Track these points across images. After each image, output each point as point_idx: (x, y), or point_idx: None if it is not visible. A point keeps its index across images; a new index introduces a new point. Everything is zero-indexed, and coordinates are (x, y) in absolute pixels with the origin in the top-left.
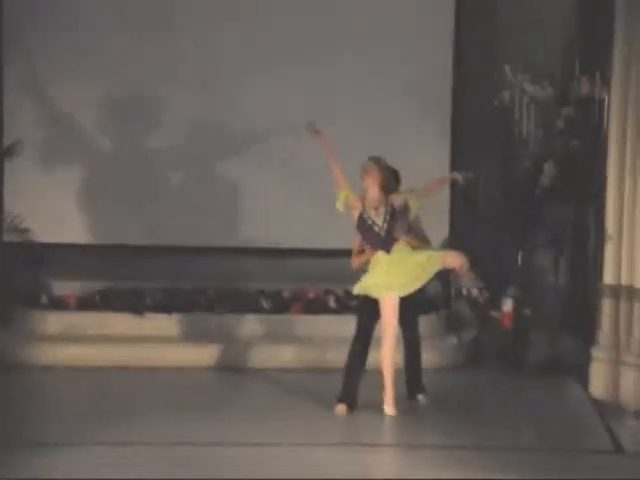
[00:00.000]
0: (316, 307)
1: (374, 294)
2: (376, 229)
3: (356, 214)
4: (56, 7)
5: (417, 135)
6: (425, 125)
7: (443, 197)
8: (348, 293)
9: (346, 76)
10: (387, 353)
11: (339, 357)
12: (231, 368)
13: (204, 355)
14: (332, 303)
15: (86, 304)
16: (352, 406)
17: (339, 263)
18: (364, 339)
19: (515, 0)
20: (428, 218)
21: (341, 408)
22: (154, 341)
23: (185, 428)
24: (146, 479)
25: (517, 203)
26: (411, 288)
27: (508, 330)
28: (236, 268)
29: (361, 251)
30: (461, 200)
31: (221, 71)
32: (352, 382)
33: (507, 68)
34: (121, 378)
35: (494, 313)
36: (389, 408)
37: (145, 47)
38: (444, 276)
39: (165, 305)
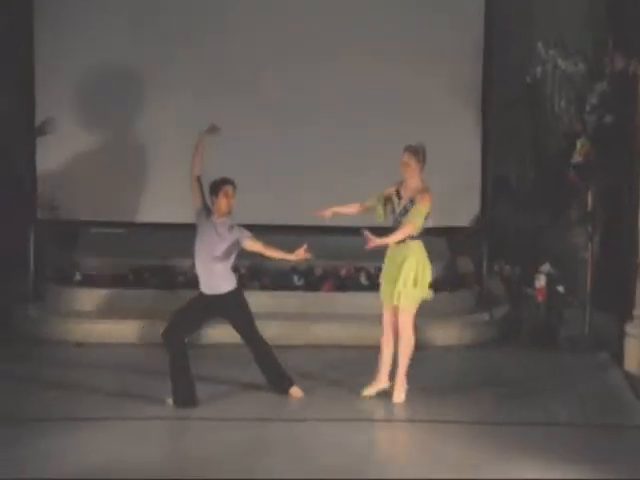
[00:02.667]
0: (348, 284)
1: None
2: (392, 216)
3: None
4: None
5: (448, 115)
6: (456, 104)
7: (474, 173)
8: (379, 270)
9: (374, 57)
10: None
11: (371, 334)
12: None
13: (234, 332)
14: (363, 280)
15: (119, 281)
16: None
17: None
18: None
19: None
20: (459, 194)
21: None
22: None
23: (212, 403)
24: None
25: (550, 180)
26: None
27: (541, 306)
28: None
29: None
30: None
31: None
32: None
33: (539, 44)
34: (153, 355)
35: (527, 289)
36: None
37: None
38: (476, 252)
39: (197, 282)
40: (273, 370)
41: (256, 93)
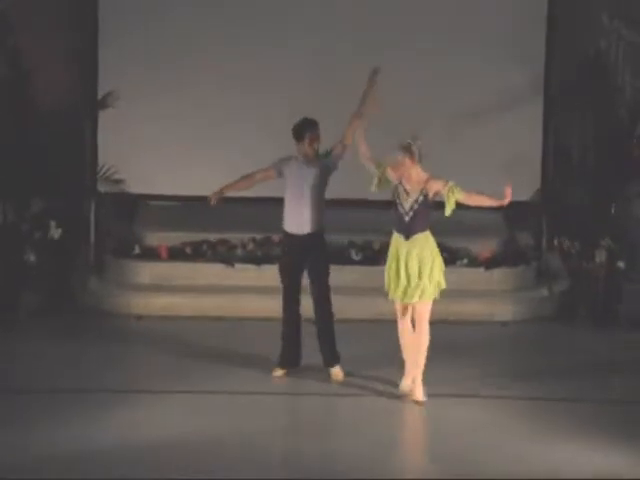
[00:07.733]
0: None
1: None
2: (401, 211)
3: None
4: None
5: (509, 87)
6: (517, 77)
7: (535, 147)
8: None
9: (436, 29)
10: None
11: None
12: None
13: None
14: None
15: (177, 255)
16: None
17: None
18: (295, 301)
19: None
20: (519, 168)
21: (279, 371)
22: (243, 292)
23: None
24: (228, 427)
25: (612, 153)
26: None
27: (601, 282)
28: (327, 220)
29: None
30: None
31: None
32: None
33: (604, 16)
34: (210, 328)
35: (587, 264)
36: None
37: None
38: (535, 227)
39: (255, 256)
40: (330, 340)
41: None
